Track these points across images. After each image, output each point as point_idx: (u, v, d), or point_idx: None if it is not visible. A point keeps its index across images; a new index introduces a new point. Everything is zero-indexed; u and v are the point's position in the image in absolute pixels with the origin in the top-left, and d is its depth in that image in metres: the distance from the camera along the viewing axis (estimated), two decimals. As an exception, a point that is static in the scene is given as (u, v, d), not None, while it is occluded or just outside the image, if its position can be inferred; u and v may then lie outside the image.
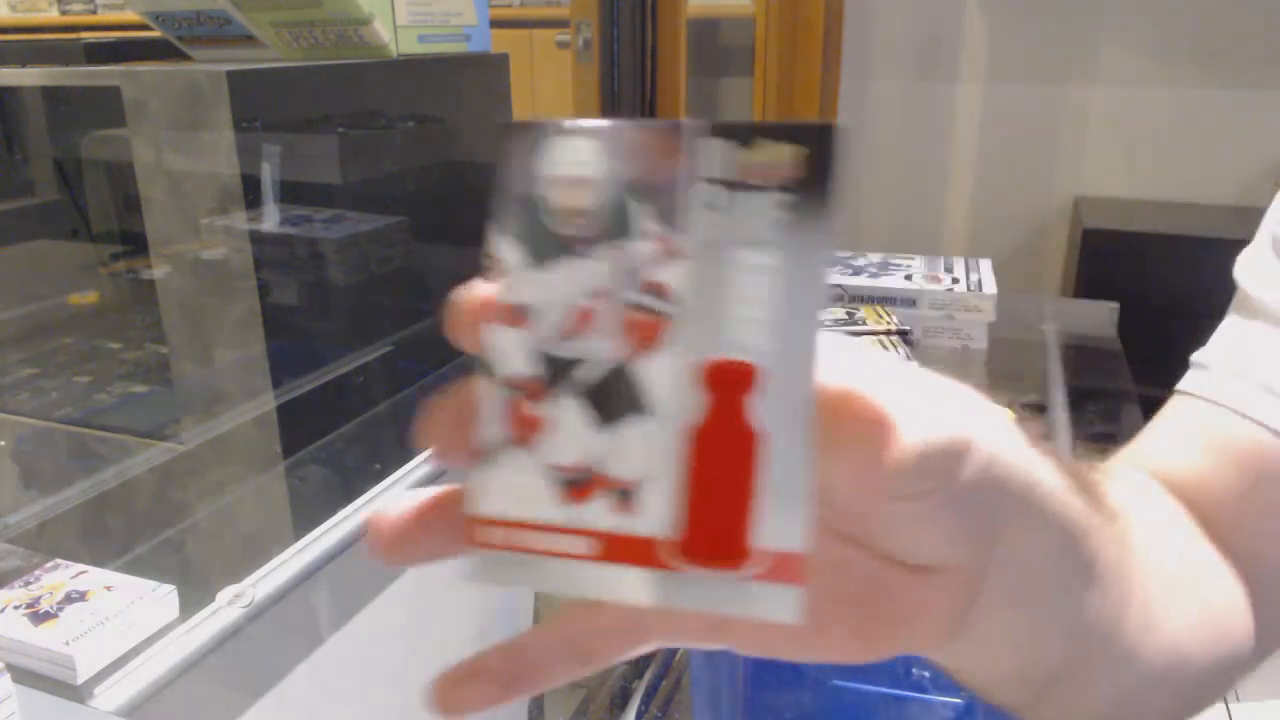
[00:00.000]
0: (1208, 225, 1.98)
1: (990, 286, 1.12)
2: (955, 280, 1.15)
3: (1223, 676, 0.40)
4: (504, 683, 0.25)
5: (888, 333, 1.05)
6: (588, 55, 2.02)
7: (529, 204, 0.22)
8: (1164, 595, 0.36)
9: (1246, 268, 0.45)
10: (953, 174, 2.35)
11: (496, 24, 1.19)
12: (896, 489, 0.21)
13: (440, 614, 0.99)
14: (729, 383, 0.20)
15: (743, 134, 0.20)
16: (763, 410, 0.20)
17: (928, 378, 0.23)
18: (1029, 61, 2.21)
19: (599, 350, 0.21)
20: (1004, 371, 1.12)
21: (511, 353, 0.22)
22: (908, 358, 0.99)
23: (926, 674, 0.73)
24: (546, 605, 0.95)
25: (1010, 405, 0.90)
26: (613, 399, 0.21)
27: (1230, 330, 0.45)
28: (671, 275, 0.21)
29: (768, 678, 0.77)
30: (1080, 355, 1.18)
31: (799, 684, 0.75)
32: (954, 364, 1.10)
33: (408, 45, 1.03)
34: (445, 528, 0.23)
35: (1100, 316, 1.23)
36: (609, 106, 2.06)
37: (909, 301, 1.13)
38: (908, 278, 1.16)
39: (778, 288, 0.20)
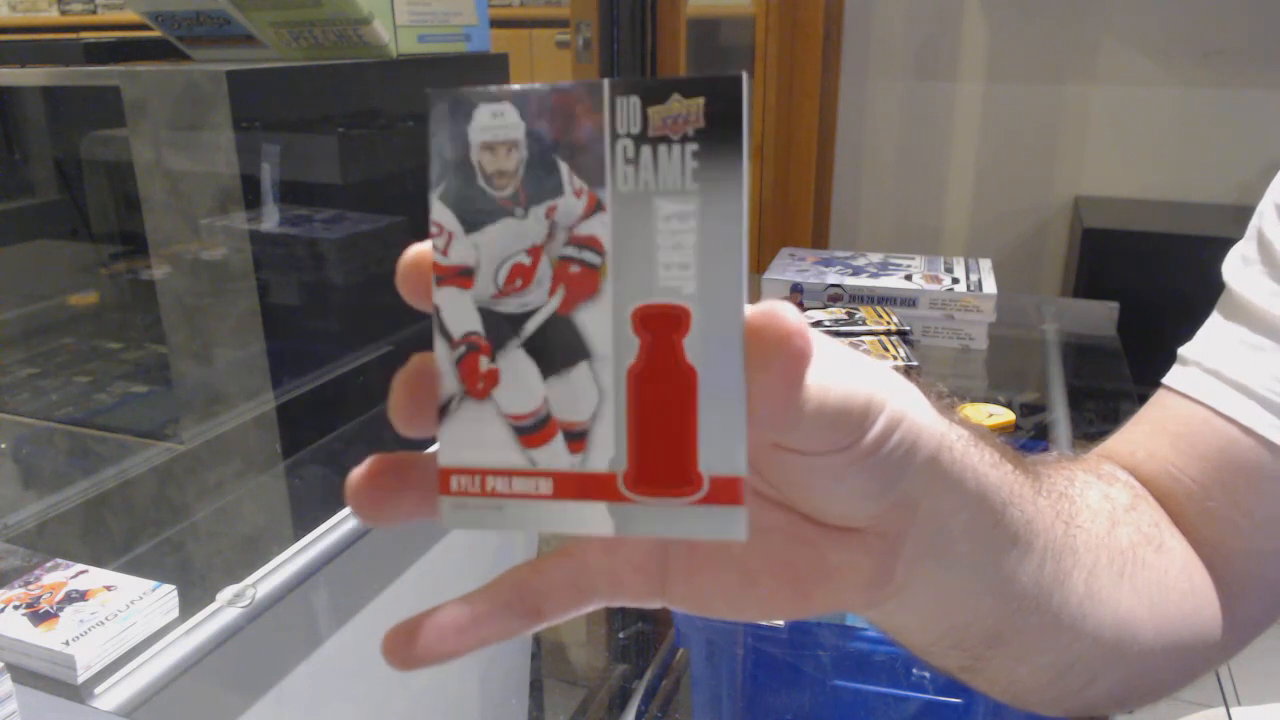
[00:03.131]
0: (1208, 225, 1.98)
1: (990, 286, 1.12)
2: (955, 280, 1.15)
3: (1183, 659, 0.41)
4: (456, 637, 0.26)
5: (888, 333, 1.05)
6: (587, 55, 2.02)
7: (462, 169, 0.23)
8: (1112, 573, 0.37)
9: (1233, 266, 0.46)
10: (953, 174, 2.35)
11: (496, 24, 1.19)
12: (811, 429, 0.23)
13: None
14: (663, 325, 0.22)
15: (652, 89, 0.22)
16: (696, 347, 0.22)
17: (848, 350, 0.25)
18: (1029, 61, 2.21)
19: (539, 303, 0.23)
20: (1004, 371, 1.12)
21: (460, 312, 0.23)
22: (908, 358, 0.98)
23: (927, 674, 0.73)
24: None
25: (1010, 404, 0.89)
26: (557, 348, 0.23)
27: (1213, 327, 0.46)
28: (600, 228, 0.22)
29: (767, 678, 0.77)
30: (1080, 355, 1.18)
31: (799, 684, 0.75)
32: (954, 364, 1.10)
33: (407, 45, 1.03)
34: (421, 487, 0.24)
35: (1100, 316, 1.23)
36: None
37: (909, 301, 1.13)
38: (908, 278, 1.16)
39: (698, 232, 0.22)
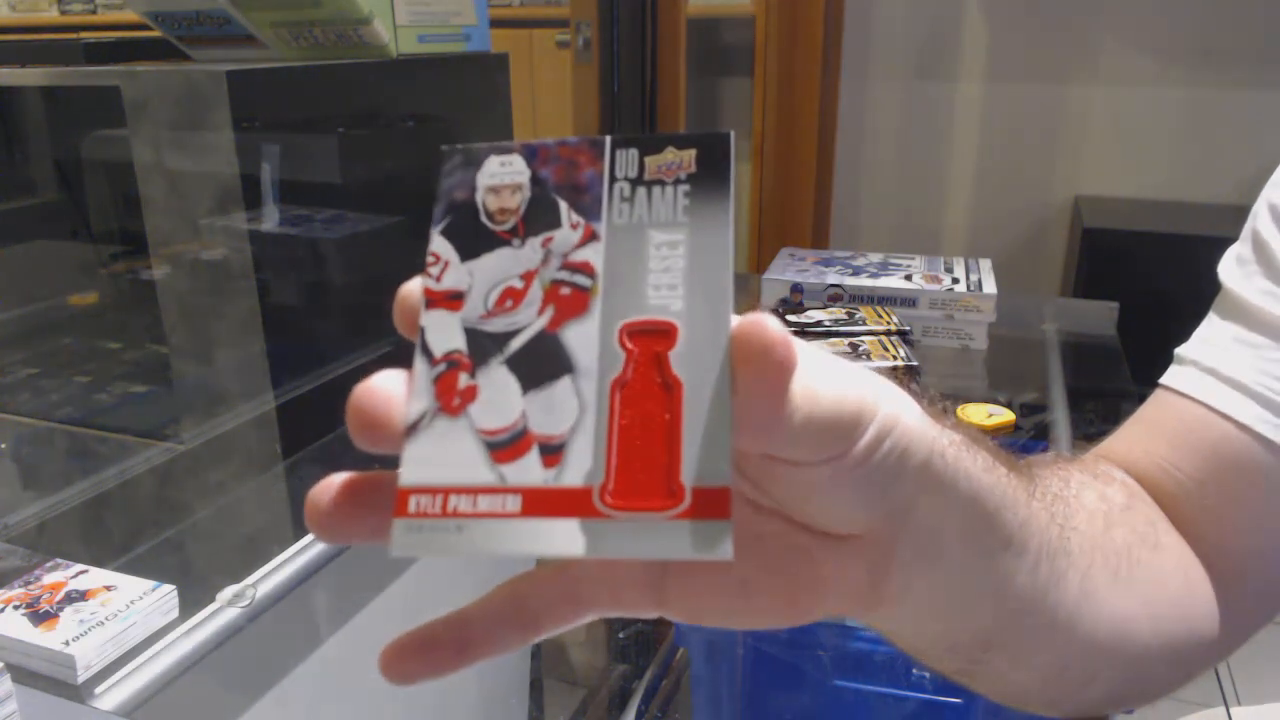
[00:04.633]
0: (1208, 224, 1.98)
1: (990, 286, 1.12)
2: (955, 280, 1.15)
3: (1180, 657, 0.41)
4: (453, 651, 0.26)
5: (888, 333, 1.05)
6: (587, 55, 2.02)
7: (466, 208, 0.24)
8: (1108, 573, 0.37)
9: (1228, 267, 0.46)
10: (953, 174, 2.35)
11: (496, 24, 1.19)
12: (801, 439, 0.23)
13: (439, 615, 0.99)
14: (651, 339, 0.22)
15: (649, 142, 0.24)
16: (682, 361, 0.22)
17: (837, 359, 0.25)
18: (1029, 61, 2.21)
19: (526, 322, 0.23)
20: (1004, 371, 1.12)
21: (445, 332, 0.24)
22: (908, 358, 0.98)
23: (927, 674, 0.73)
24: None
25: (1010, 404, 0.89)
26: (540, 364, 0.23)
27: (1209, 327, 0.46)
28: (593, 254, 0.23)
29: (768, 677, 0.77)
30: (1080, 355, 1.18)
31: (799, 684, 0.75)
32: (954, 364, 1.10)
33: (407, 45, 1.03)
34: (382, 507, 0.23)
35: (1100, 316, 1.23)
36: (609, 106, 2.06)
37: (909, 301, 1.13)
38: (908, 278, 1.16)
39: (687, 258, 0.23)
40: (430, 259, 0.24)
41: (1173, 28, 2.08)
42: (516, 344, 0.23)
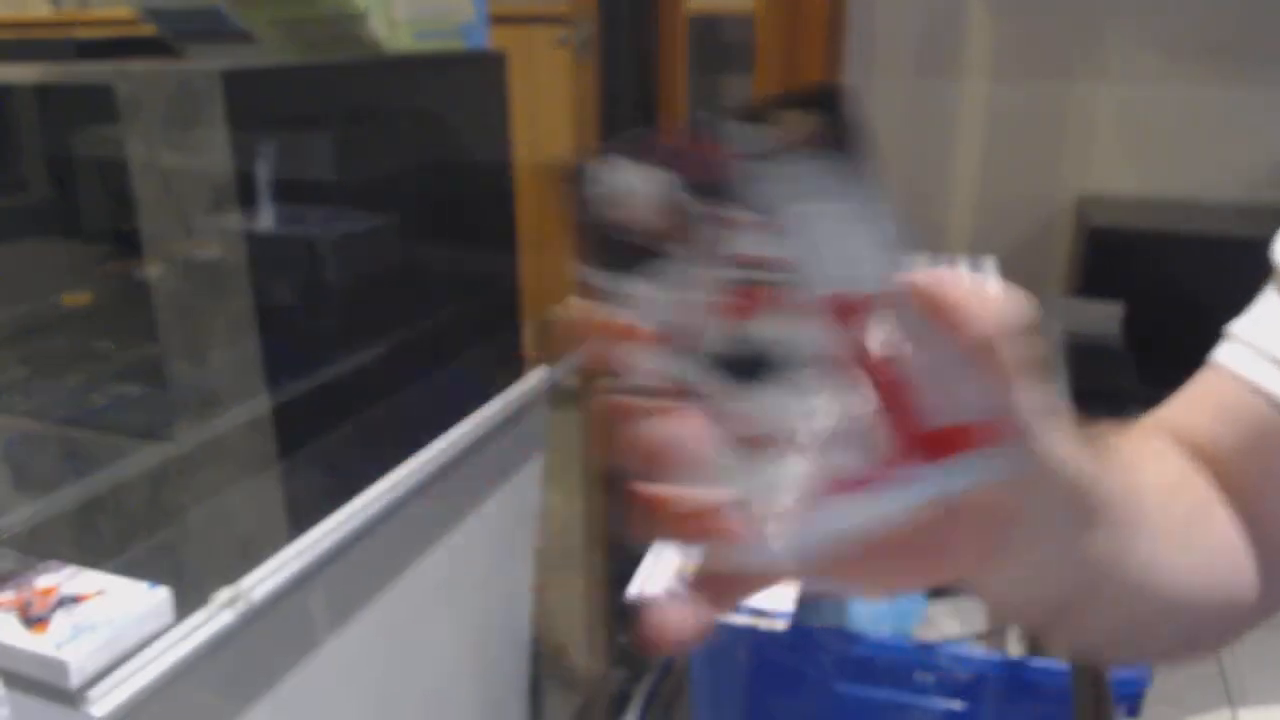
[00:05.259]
0: (1214, 224, 1.97)
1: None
2: (957, 279, 1.14)
3: (1225, 622, 0.44)
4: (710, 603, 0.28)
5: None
6: (587, 53, 2.02)
7: (606, 232, 0.24)
8: (1171, 540, 0.40)
9: None
10: (956, 171, 2.34)
11: (495, 20, 1.18)
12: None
13: (436, 618, 0.98)
14: (852, 314, 0.23)
15: (762, 113, 0.23)
16: (884, 324, 0.23)
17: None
18: (1034, 58, 2.20)
19: (731, 331, 0.23)
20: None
21: (678, 370, 0.24)
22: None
23: (930, 678, 0.72)
24: (543, 610, 0.95)
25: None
26: (769, 365, 0.23)
27: (1263, 305, 0.47)
28: (755, 246, 0.23)
29: (769, 682, 0.76)
30: (1085, 355, 1.17)
31: (801, 689, 0.75)
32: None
33: (404, 42, 1.03)
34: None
35: (1105, 316, 1.22)
36: (608, 104, 2.05)
37: (911, 300, 1.12)
38: (909, 276, 1.15)
39: (846, 226, 0.23)
40: (607, 295, 0.24)
41: (1180, 24, 2.08)
42: (737, 356, 0.24)
